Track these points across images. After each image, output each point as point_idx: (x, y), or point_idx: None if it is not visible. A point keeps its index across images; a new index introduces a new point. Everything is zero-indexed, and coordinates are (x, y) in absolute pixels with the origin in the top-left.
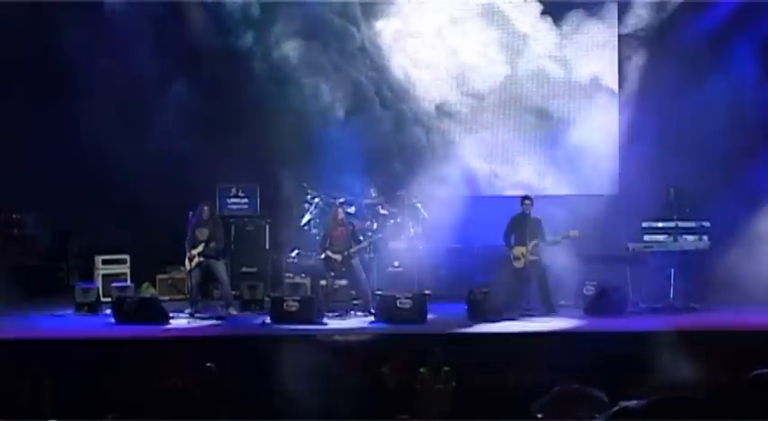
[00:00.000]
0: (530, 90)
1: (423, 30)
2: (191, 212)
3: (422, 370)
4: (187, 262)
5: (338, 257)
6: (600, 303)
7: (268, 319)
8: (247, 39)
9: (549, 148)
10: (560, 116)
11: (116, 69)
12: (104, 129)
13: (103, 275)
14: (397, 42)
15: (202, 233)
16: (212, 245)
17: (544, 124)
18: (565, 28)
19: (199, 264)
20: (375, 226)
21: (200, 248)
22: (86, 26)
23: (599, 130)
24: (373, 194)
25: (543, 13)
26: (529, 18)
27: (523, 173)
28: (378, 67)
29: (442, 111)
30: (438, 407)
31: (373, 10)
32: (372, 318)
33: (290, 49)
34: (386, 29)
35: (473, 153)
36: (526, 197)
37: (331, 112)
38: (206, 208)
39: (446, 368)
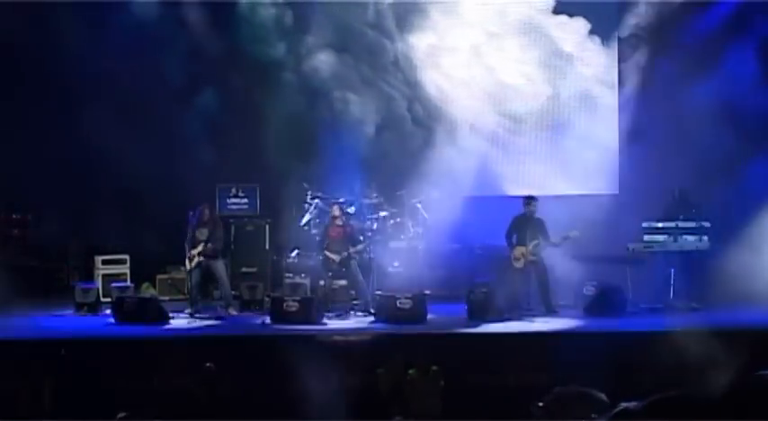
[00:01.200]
0: (574, 114)
1: (458, 45)
2: (191, 212)
3: (410, 371)
4: (187, 262)
5: (336, 258)
6: (600, 303)
7: (268, 319)
8: (279, 49)
9: (549, 148)
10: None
11: (130, 73)
12: (109, 131)
13: (103, 275)
14: (431, 57)
15: (202, 233)
16: (211, 245)
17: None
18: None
19: (198, 264)
20: (375, 226)
21: (199, 248)
22: (97, 26)
23: (599, 130)
24: (373, 194)
25: (591, 32)
26: (574, 37)
27: (529, 173)
28: (410, 83)
29: (477, 131)
30: (428, 408)
31: (407, 23)
32: (372, 318)
33: (322, 60)
34: (420, 43)
35: (508, 178)
36: (531, 197)
37: (361, 127)
38: (206, 208)
39: (434, 368)
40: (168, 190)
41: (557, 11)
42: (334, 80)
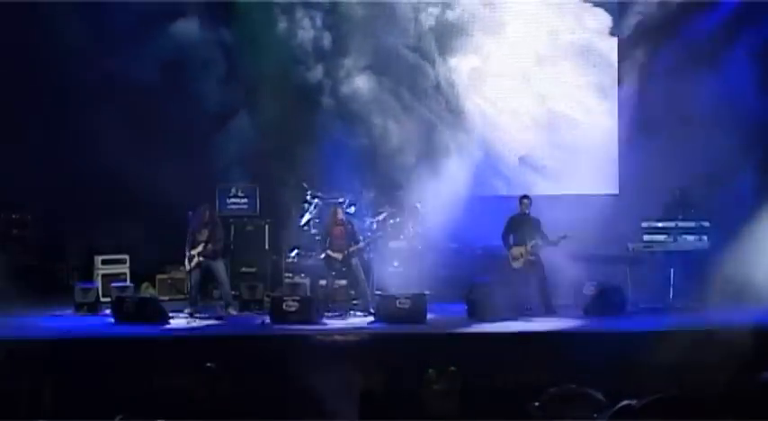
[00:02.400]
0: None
1: (504, 69)
2: (190, 212)
3: (429, 370)
4: (186, 262)
5: (339, 256)
6: (600, 303)
7: (268, 319)
8: (317, 72)
9: (550, 148)
10: (561, 116)
11: (165, 94)
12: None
13: (103, 275)
14: (475, 82)
15: (202, 233)
16: (211, 245)
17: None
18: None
19: (198, 264)
20: (375, 226)
21: (199, 248)
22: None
23: (599, 130)
24: (372, 194)
25: None
26: None
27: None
28: (453, 109)
29: (527, 164)
30: (444, 408)
31: (449, 45)
32: (372, 318)
33: (360, 84)
34: (462, 66)
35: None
36: (525, 196)
37: (400, 156)
38: (206, 209)
39: (452, 368)
40: (168, 190)
41: (613, 32)
42: (373, 105)
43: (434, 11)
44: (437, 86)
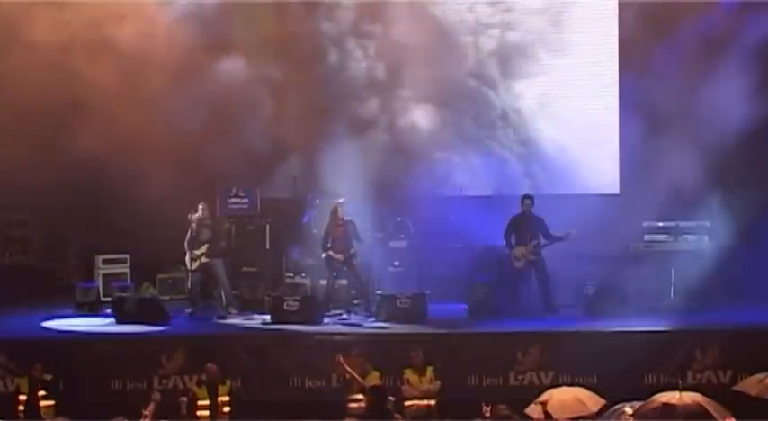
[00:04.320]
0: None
1: (577, 92)
2: (190, 212)
3: (406, 371)
4: (190, 262)
5: (340, 257)
6: (600, 303)
7: (268, 319)
8: (371, 105)
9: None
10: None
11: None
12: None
13: (104, 275)
14: (545, 108)
15: (203, 233)
16: (216, 245)
17: None
18: None
19: (203, 264)
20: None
21: (203, 249)
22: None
23: (599, 130)
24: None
25: None
26: None
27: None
28: (524, 140)
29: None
30: (425, 407)
31: (513, 69)
32: (372, 318)
33: (419, 116)
34: (528, 91)
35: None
36: (527, 196)
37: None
38: (206, 208)
39: (430, 367)
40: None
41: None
42: (433, 139)
43: (494, 33)
44: (504, 116)
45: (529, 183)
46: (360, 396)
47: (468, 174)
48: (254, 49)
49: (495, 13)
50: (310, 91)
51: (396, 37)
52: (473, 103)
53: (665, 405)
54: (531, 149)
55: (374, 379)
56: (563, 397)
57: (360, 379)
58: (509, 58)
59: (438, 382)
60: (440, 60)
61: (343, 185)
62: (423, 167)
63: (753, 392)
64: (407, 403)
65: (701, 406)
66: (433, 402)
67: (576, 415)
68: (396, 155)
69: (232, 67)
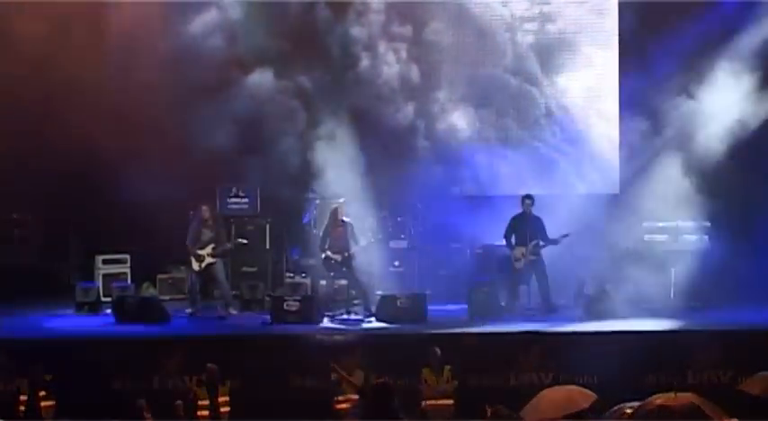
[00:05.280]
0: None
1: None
2: (191, 212)
3: (424, 370)
4: (195, 263)
5: (338, 257)
6: (600, 303)
7: (268, 319)
8: (407, 111)
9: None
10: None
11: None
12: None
13: (104, 275)
14: (594, 104)
15: (204, 234)
16: (220, 245)
17: None
18: None
19: (209, 264)
20: (375, 226)
21: (208, 249)
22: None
23: (599, 130)
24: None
25: None
26: None
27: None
28: (572, 139)
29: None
30: (441, 407)
31: (554, 63)
32: (372, 318)
33: (458, 118)
34: (573, 86)
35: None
36: (527, 196)
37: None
38: (207, 208)
39: (448, 367)
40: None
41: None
42: (475, 142)
43: (531, 27)
44: (548, 113)
45: (584, 186)
46: (351, 396)
47: (514, 177)
48: (282, 60)
49: (531, 6)
50: (343, 99)
51: (428, 37)
52: (515, 102)
53: (661, 406)
54: (579, 149)
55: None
56: (553, 395)
57: (353, 380)
58: (550, 53)
59: (455, 382)
60: (476, 58)
61: (386, 198)
62: (466, 173)
63: (756, 391)
64: (427, 403)
65: (696, 406)
66: (451, 401)
67: (566, 412)
68: (436, 162)
69: (261, 79)
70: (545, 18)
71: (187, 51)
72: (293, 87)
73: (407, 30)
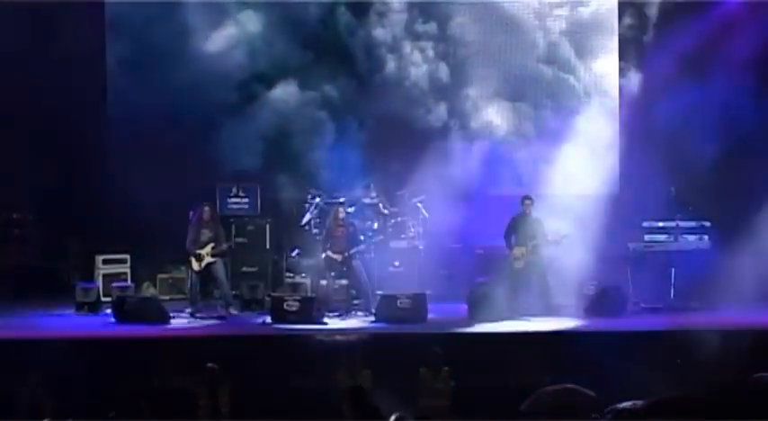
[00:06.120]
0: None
1: None
2: (191, 212)
3: (422, 369)
4: (195, 262)
5: (339, 257)
6: (600, 303)
7: (268, 319)
8: (439, 112)
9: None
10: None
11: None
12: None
13: (104, 275)
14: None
15: (204, 234)
16: (220, 245)
17: None
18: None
19: (209, 264)
20: (375, 226)
21: (208, 249)
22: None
23: (599, 130)
24: (374, 194)
25: None
26: None
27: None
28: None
29: None
30: (438, 407)
31: (589, 46)
32: (373, 318)
33: (492, 115)
34: (613, 68)
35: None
36: (527, 197)
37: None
38: (207, 208)
39: (446, 368)
40: (168, 190)
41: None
42: (514, 139)
43: (562, 12)
44: (588, 100)
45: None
46: None
47: (559, 173)
48: (306, 70)
49: None
50: (372, 105)
51: (454, 33)
52: (551, 92)
53: (658, 404)
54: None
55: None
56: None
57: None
58: (582, 37)
59: (452, 382)
60: (506, 51)
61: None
62: (505, 172)
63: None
64: (425, 403)
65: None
66: (445, 402)
67: (566, 411)
68: (476, 162)
69: (286, 92)
70: (576, 1)
71: (207, 72)
72: (319, 98)
73: (432, 27)
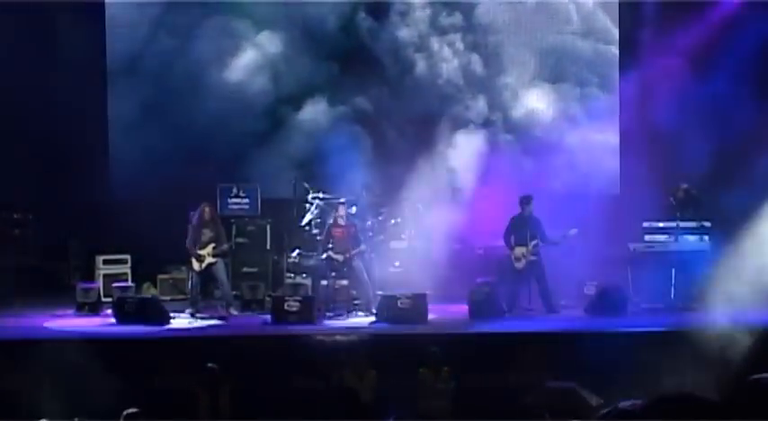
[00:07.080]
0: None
1: None
2: (191, 212)
3: (421, 369)
4: (195, 263)
5: (340, 258)
6: (600, 303)
7: (269, 319)
8: (479, 106)
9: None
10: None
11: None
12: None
13: (104, 275)
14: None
15: (205, 234)
16: (221, 245)
17: None
18: None
19: (210, 264)
20: (376, 226)
21: (208, 249)
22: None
23: (599, 130)
24: (374, 194)
25: None
26: None
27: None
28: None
29: None
30: (438, 407)
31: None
32: (373, 318)
33: (534, 101)
34: None
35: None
36: (527, 197)
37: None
38: (207, 208)
39: (446, 368)
40: (168, 190)
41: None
42: (564, 123)
43: None
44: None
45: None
46: None
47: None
48: (333, 85)
49: None
50: (401, 103)
51: (481, 20)
52: (594, 69)
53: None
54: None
55: (371, 379)
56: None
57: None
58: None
59: (452, 382)
60: (538, 30)
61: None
62: (558, 162)
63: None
64: (425, 403)
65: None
66: (446, 403)
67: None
68: (526, 154)
69: (315, 111)
70: None
71: (229, 100)
72: (351, 111)
73: (457, 18)
